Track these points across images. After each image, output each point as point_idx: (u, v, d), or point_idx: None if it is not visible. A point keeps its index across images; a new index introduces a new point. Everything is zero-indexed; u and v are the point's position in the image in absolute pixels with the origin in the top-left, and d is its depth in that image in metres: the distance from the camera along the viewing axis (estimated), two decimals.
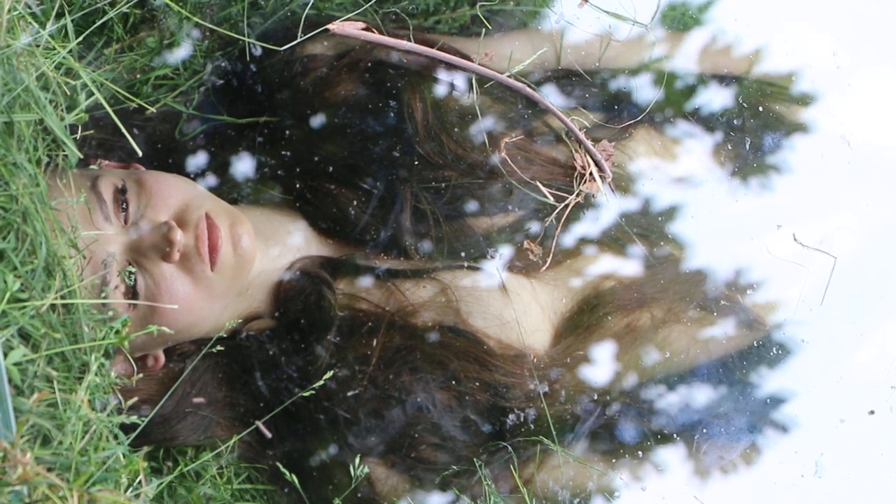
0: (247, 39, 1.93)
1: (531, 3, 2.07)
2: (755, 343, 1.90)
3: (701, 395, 1.87)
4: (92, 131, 1.65)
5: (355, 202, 1.86)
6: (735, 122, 1.98)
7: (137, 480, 1.33)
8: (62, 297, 1.36)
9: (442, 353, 1.80)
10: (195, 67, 2.03)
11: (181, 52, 1.97)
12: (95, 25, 1.75)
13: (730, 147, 1.97)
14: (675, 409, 1.87)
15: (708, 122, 1.98)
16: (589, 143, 1.88)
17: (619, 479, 1.85)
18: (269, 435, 1.82)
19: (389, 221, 1.85)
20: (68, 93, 1.44)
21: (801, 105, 2.02)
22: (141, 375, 1.71)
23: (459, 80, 1.90)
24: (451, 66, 1.90)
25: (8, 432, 1.22)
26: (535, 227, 1.86)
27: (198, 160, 1.95)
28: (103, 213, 1.67)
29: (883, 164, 2.00)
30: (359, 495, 1.80)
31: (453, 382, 1.80)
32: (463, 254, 1.85)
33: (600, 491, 1.85)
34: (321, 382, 1.73)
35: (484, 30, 2.02)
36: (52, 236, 1.37)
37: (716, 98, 2.01)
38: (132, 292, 1.67)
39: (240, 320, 1.82)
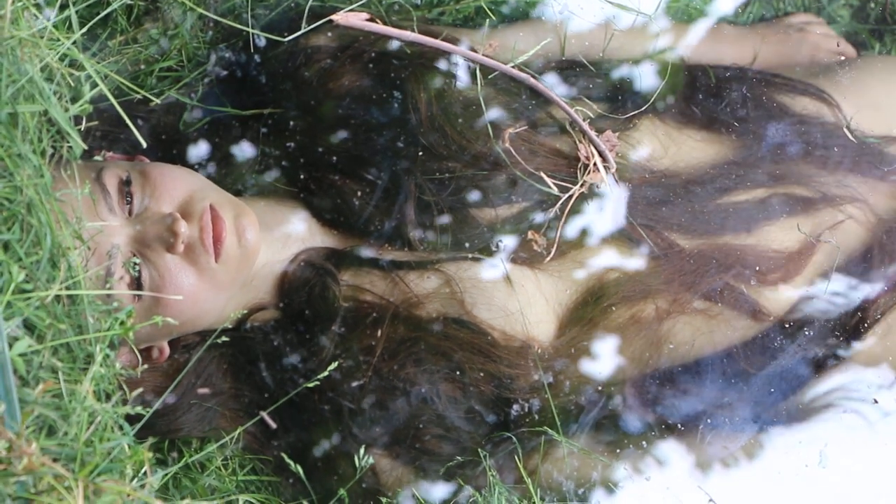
0: (250, 30, 1.93)
1: None
2: (759, 333, 1.90)
3: (705, 385, 1.87)
4: (96, 122, 1.66)
5: (359, 193, 1.86)
6: (739, 112, 1.98)
7: (143, 471, 1.33)
8: (67, 288, 1.36)
9: (446, 344, 1.80)
10: (199, 59, 2.03)
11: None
12: (99, 17, 1.75)
13: (734, 137, 1.96)
14: (679, 400, 1.87)
15: (711, 112, 1.98)
16: (593, 134, 1.87)
17: (623, 469, 1.85)
18: (273, 426, 1.82)
19: (393, 212, 1.85)
20: (72, 84, 1.44)
21: (805, 95, 2.02)
22: (146, 366, 1.71)
23: (463, 71, 1.90)
24: (455, 57, 1.90)
25: (13, 423, 1.23)
26: (539, 218, 1.86)
27: (202, 151, 1.95)
28: (108, 204, 1.68)
29: (886, 155, 2.00)
30: (363, 486, 1.80)
31: (457, 373, 1.80)
32: (467, 245, 1.85)
33: (604, 482, 1.85)
34: (326, 373, 1.74)
35: (488, 20, 2.02)
36: (57, 227, 1.38)
37: (719, 88, 2.01)
38: (136, 284, 1.67)
39: (244, 311, 1.83)
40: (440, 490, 1.82)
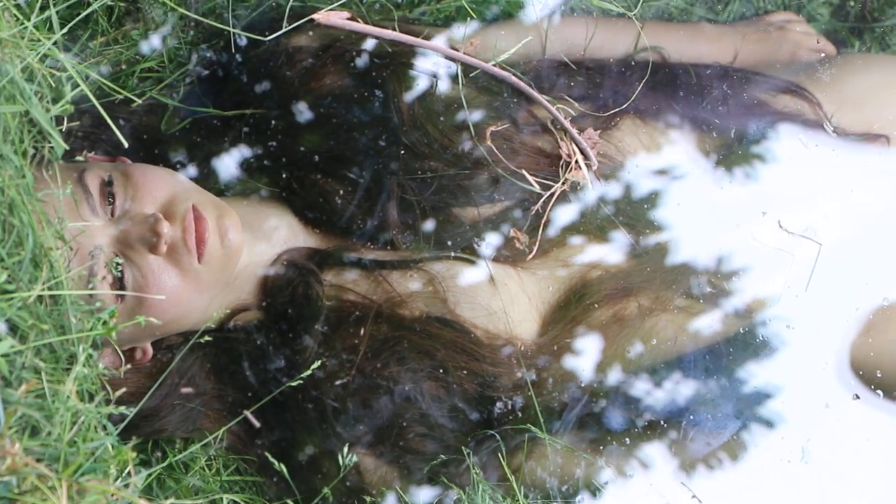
0: (231, 30, 1.92)
1: None
2: (741, 329, 1.90)
3: (688, 382, 1.88)
4: (78, 122, 1.65)
5: (342, 192, 1.86)
6: (720, 109, 1.98)
7: (126, 471, 1.32)
8: (49, 289, 1.36)
9: (429, 343, 1.80)
10: (180, 60, 2.02)
11: (157, 40, 1.97)
12: (79, 17, 1.75)
13: (715, 135, 1.97)
14: (662, 396, 1.87)
15: (693, 110, 1.98)
16: (574, 132, 1.88)
17: (607, 468, 1.85)
18: (257, 424, 1.82)
19: (376, 212, 1.85)
20: (53, 85, 1.43)
21: (785, 92, 2.03)
22: (129, 366, 1.71)
23: (445, 70, 1.90)
24: (436, 56, 1.90)
25: None
26: (521, 216, 1.86)
27: (184, 152, 1.95)
28: (90, 205, 1.67)
29: (867, 152, 2.01)
30: (347, 484, 1.80)
31: (441, 372, 1.80)
32: (450, 244, 1.85)
33: (588, 480, 1.85)
34: (309, 372, 1.73)
35: (469, 19, 2.03)
36: (39, 228, 1.37)
37: (700, 87, 2.01)
38: (119, 284, 1.67)
39: (227, 311, 1.82)
40: (425, 493, 1.82)
